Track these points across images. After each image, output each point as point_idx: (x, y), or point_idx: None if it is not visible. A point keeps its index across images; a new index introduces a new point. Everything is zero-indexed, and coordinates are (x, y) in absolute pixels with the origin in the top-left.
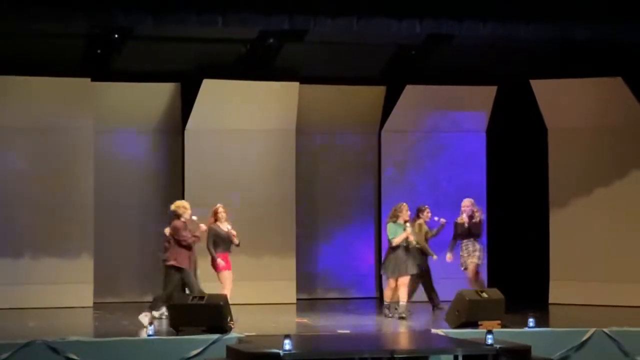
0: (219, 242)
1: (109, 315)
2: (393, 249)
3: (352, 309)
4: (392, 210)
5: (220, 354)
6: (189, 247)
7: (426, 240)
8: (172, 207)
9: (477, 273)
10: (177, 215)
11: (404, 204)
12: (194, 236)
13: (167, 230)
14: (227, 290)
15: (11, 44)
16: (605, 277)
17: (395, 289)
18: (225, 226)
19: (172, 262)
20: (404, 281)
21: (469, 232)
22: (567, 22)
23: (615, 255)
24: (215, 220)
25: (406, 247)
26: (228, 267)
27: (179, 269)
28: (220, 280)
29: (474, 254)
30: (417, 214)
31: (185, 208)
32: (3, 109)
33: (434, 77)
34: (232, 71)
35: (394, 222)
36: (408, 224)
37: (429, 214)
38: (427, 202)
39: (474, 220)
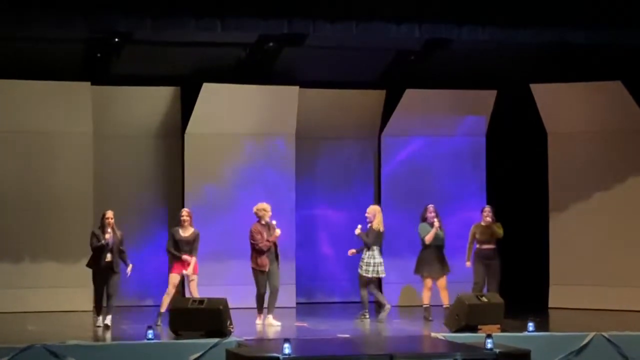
0: (175, 245)
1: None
2: (425, 247)
3: (352, 313)
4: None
5: (219, 358)
6: (261, 251)
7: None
8: (254, 209)
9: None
10: (258, 218)
11: (430, 205)
12: (267, 241)
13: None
14: (167, 294)
15: (11, 48)
16: (605, 282)
17: (430, 290)
18: (187, 231)
19: (252, 266)
20: (443, 284)
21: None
22: (567, 27)
23: (615, 259)
24: (179, 223)
25: (438, 247)
26: (178, 271)
27: (262, 272)
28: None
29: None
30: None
31: (265, 211)
32: (3, 112)
33: (433, 81)
34: (231, 75)
35: (424, 222)
36: (436, 222)
37: (488, 216)
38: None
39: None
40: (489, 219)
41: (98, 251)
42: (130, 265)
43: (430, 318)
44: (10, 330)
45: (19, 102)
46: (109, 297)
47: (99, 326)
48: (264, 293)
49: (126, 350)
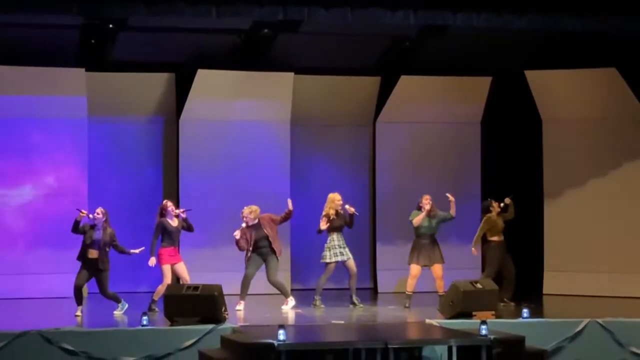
0: (165, 236)
1: (103, 305)
2: (417, 236)
3: (347, 300)
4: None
5: (214, 345)
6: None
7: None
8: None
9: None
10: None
11: (427, 194)
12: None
13: None
14: (163, 285)
15: (6, 34)
16: (600, 268)
17: (413, 278)
18: (175, 221)
19: None
20: (439, 273)
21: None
22: (562, 13)
23: (609, 246)
24: (163, 215)
25: (431, 235)
26: (170, 261)
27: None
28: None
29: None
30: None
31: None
32: None
33: (428, 68)
34: (226, 62)
35: (418, 209)
36: (428, 208)
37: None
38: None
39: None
40: (498, 209)
41: (80, 234)
42: (141, 249)
43: (407, 305)
44: (5, 317)
45: (14, 88)
46: (107, 298)
47: (77, 315)
48: (248, 278)
49: (121, 336)
